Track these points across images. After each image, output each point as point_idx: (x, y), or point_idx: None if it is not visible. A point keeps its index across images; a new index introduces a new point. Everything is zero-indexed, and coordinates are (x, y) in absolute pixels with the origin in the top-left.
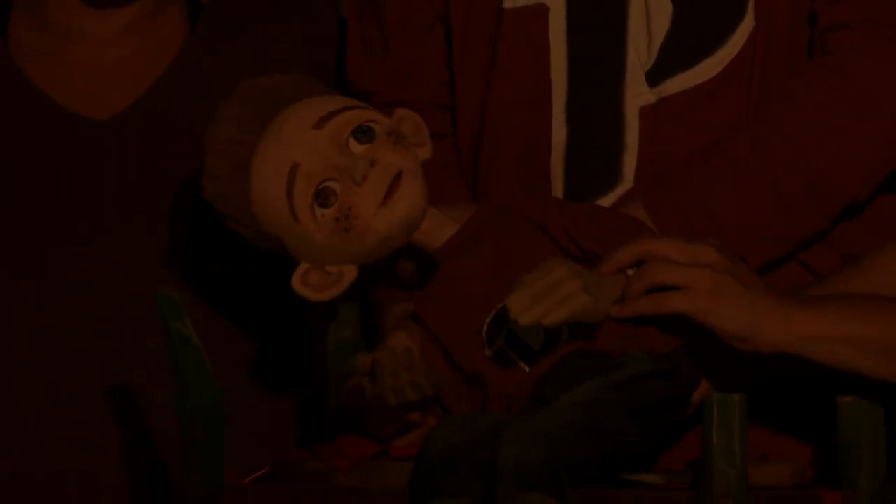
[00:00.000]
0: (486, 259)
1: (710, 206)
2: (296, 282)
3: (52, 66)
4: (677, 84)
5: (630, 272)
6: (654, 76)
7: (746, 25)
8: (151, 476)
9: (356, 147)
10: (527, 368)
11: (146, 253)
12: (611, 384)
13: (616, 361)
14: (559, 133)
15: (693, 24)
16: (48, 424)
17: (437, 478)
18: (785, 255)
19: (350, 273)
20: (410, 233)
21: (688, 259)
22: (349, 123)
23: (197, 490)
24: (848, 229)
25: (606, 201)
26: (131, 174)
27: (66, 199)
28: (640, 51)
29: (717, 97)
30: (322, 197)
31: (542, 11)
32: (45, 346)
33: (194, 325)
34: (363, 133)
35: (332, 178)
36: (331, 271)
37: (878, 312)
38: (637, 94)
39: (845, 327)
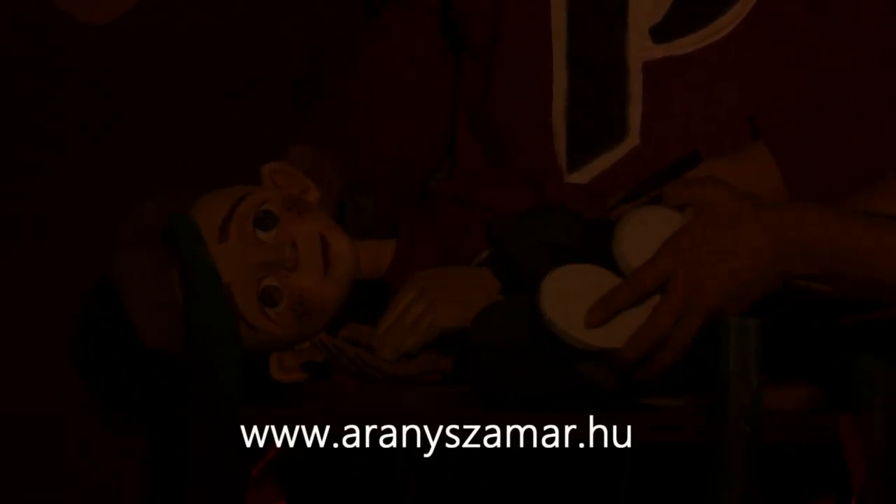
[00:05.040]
0: (434, 252)
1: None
2: (276, 374)
3: None
4: (686, 44)
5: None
6: (661, 33)
7: None
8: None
9: (265, 236)
10: None
11: (143, 160)
12: None
13: None
14: (560, 80)
15: None
16: None
17: None
18: None
19: (318, 337)
20: (357, 276)
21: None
22: (245, 219)
23: (209, 420)
24: None
25: (613, 156)
26: (128, 81)
27: (62, 104)
28: (642, 4)
29: (726, 55)
30: (268, 299)
31: None
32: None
33: None
34: (264, 221)
35: (265, 275)
36: (302, 347)
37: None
38: (641, 49)
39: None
